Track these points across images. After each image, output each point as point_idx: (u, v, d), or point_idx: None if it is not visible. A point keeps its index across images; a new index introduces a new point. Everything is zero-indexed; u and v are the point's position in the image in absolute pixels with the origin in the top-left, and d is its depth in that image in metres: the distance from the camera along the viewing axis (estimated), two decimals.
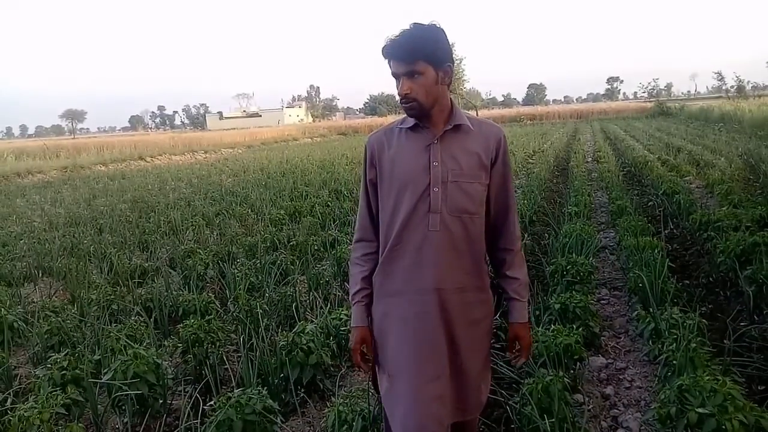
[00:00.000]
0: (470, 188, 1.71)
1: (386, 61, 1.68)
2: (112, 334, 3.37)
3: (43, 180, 18.33)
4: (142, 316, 3.87)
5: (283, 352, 2.97)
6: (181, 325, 3.50)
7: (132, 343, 3.19)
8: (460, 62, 52.94)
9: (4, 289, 4.81)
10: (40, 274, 5.69)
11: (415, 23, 1.66)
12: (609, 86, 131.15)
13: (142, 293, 4.57)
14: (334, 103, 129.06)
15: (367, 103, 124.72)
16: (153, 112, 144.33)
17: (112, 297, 4.33)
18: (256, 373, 2.87)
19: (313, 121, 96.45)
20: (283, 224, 7.28)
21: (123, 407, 2.80)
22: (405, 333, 1.71)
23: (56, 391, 2.74)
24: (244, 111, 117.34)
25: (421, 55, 1.62)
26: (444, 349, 1.71)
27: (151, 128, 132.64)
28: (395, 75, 1.68)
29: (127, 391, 2.69)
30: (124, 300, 4.40)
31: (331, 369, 3.17)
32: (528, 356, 1.89)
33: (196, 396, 2.72)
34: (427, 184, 1.69)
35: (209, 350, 3.32)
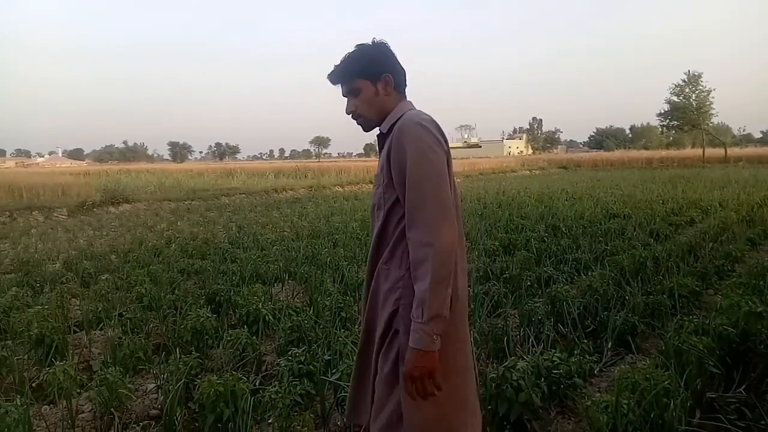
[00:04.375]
0: (375, 191, 1.81)
1: None
2: (340, 338, 3.79)
3: (293, 196, 21.46)
4: None
5: (493, 385, 2.98)
6: None
7: (356, 350, 3.53)
8: (708, 95, 46.80)
9: (260, 287, 5.74)
10: (287, 277, 6.65)
11: (357, 45, 1.81)
12: None
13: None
14: (556, 136, 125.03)
15: (592, 136, 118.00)
16: None
17: (341, 305, 4.85)
18: None
19: (533, 153, 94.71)
20: (496, 255, 7.29)
21: (345, 407, 3.11)
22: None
23: (295, 381, 3.18)
24: (465, 141, 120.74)
25: (355, 73, 1.77)
26: (366, 333, 1.89)
27: None
28: (344, 96, 1.83)
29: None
30: (351, 309, 4.88)
31: (540, 411, 3.07)
32: (412, 392, 1.59)
33: None
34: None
35: None
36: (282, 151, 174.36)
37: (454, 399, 1.71)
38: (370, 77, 1.77)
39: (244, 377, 3.20)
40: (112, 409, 3.22)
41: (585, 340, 4.04)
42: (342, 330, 4.25)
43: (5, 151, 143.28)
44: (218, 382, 2.99)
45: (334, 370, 3.29)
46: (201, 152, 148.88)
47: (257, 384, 3.45)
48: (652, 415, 2.68)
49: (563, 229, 9.13)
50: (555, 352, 3.45)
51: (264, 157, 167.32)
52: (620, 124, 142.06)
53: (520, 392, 2.90)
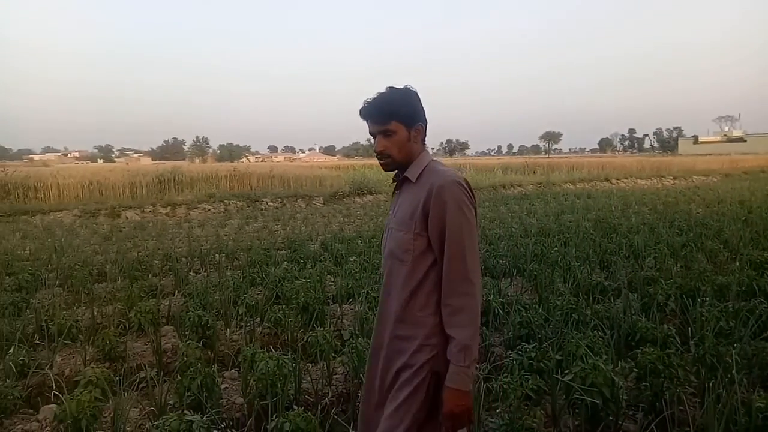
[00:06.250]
0: (398, 236, 1.83)
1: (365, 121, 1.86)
2: (573, 339, 3.67)
3: (521, 192, 21.17)
4: (600, 331, 4.04)
5: (759, 416, 2.59)
6: (640, 350, 3.48)
7: (591, 354, 3.39)
8: None
9: (489, 280, 5.85)
10: (515, 273, 6.65)
11: (389, 87, 1.83)
12: None
13: (600, 309, 4.75)
14: None
15: None
16: (623, 135, 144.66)
17: (573, 306, 4.68)
18: (722, 428, 2.60)
19: None
20: (765, 269, 6.18)
21: (576, 410, 3.03)
22: (367, 364, 1.97)
23: (526, 375, 3.21)
24: (725, 135, 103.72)
25: (394, 116, 1.81)
26: (376, 386, 1.89)
27: (618, 151, 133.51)
28: (372, 134, 1.86)
29: (583, 396, 2.90)
30: (583, 312, 4.68)
31: None
32: (451, 428, 1.72)
33: (653, 427, 2.68)
34: (385, 229, 1.96)
35: (665, 385, 3.19)
36: (510, 146, 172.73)
37: None
38: (406, 122, 1.84)
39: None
40: (360, 375, 3.67)
41: None
42: (574, 332, 4.10)
43: (277, 147, 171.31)
44: None
45: (566, 371, 3.21)
46: (433, 148, 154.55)
47: (486, 372, 3.57)
48: None
49: None
50: None
51: (492, 153, 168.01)
52: None
53: None
